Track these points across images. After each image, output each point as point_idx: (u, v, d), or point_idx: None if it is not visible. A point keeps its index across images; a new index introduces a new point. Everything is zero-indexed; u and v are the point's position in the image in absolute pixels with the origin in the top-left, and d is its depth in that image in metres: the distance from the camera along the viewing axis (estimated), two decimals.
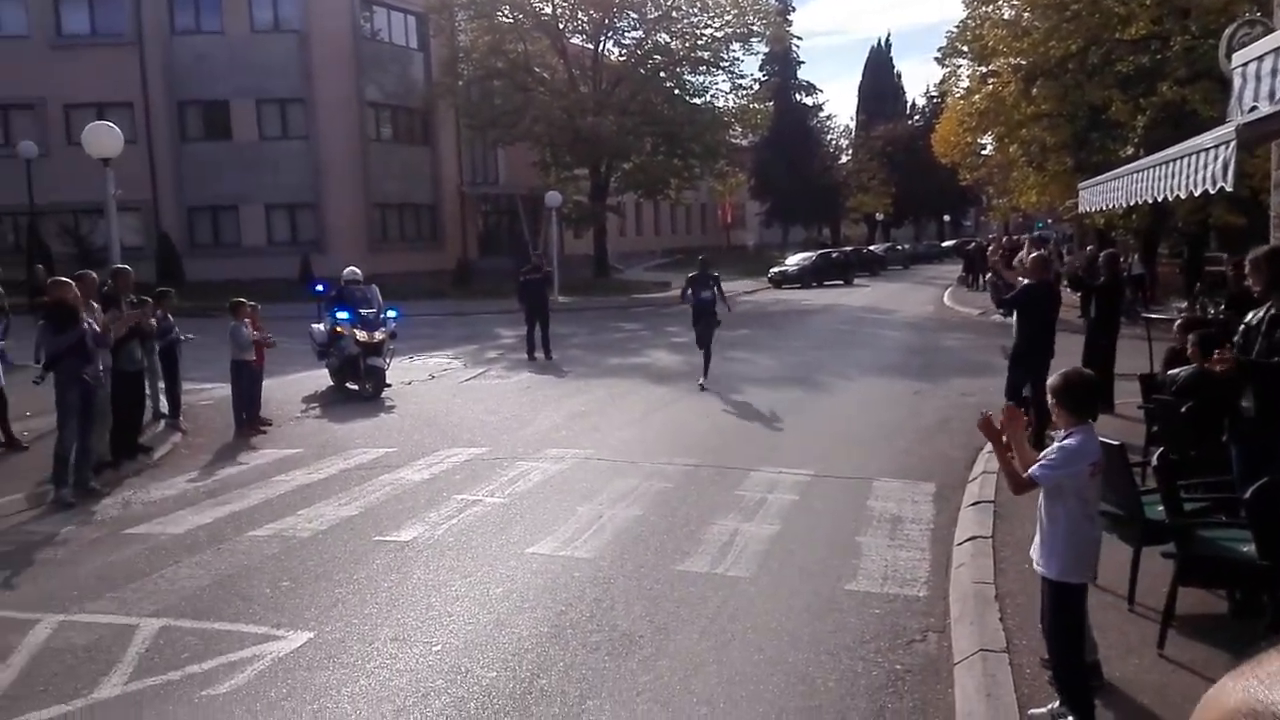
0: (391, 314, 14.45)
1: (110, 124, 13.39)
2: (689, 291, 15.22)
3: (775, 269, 42.10)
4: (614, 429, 11.48)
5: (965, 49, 30.05)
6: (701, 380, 14.29)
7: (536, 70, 37.82)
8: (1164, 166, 6.61)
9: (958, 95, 34.15)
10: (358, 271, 15.43)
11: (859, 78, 78.10)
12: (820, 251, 46.92)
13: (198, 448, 10.89)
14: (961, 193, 60.24)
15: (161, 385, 11.68)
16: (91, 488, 8.76)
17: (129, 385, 10.07)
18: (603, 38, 38.67)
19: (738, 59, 40.82)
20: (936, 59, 33.58)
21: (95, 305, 9.38)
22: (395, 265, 31.14)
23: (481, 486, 8.80)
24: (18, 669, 5.20)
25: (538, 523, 7.69)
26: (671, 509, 7.99)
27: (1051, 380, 4.37)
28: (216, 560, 6.90)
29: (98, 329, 9.00)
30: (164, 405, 11.79)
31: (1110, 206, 8.59)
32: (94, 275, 9.95)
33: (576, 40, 39.21)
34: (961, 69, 32.96)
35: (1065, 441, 4.16)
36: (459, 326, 24.13)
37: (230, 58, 32.40)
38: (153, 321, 10.81)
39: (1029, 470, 4.16)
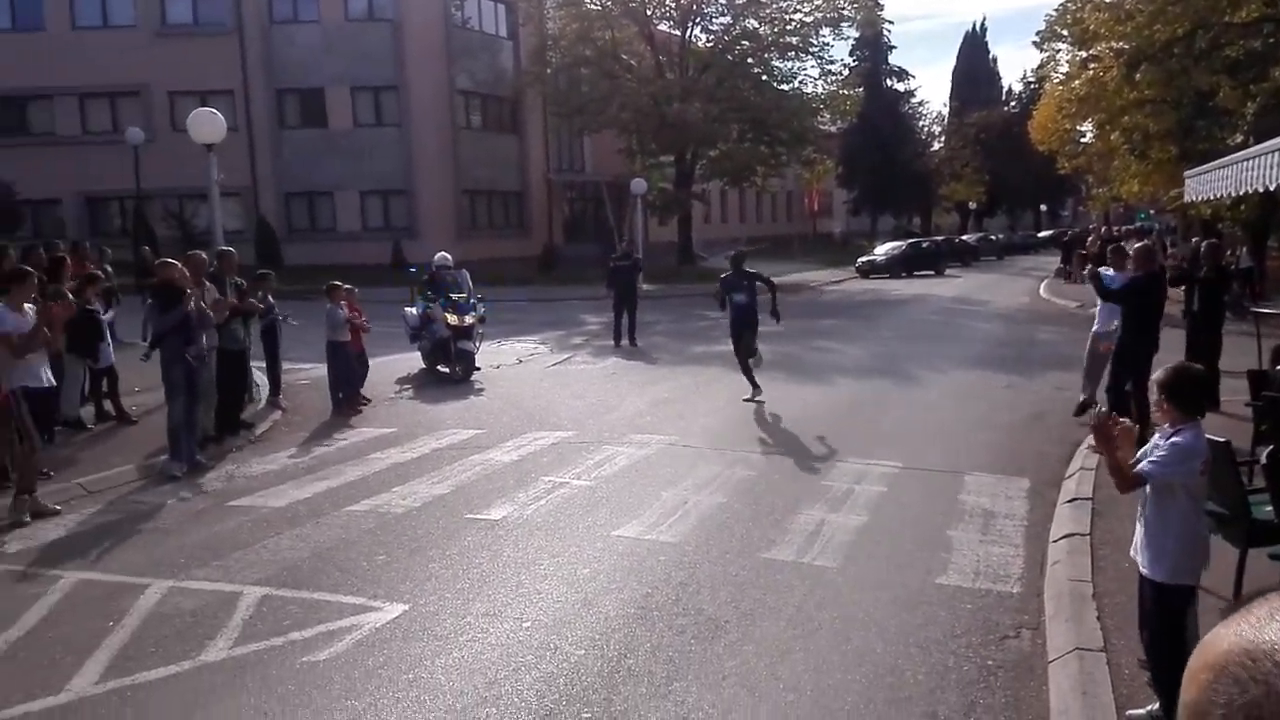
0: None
1: (213, 110, 13.87)
2: (722, 294, 12.31)
3: (863, 258, 41.50)
4: (698, 416, 11.50)
5: (1065, 33, 29.16)
6: (753, 395, 11.98)
7: (623, 57, 37.90)
8: (1276, 154, 6.34)
9: (1056, 81, 33.17)
10: (448, 257, 15.76)
11: (953, 63, 76.36)
12: (910, 241, 46.07)
13: (296, 425, 11.26)
14: (1059, 181, 58.55)
15: (262, 364, 12.08)
16: (197, 461, 9.13)
17: (232, 364, 10.45)
18: (690, 24, 38.52)
19: (827, 44, 40.19)
20: (1034, 43, 32.68)
21: (208, 284, 9.74)
22: (483, 251, 31.61)
23: (568, 469, 8.91)
24: (130, 630, 5.47)
25: (623, 506, 7.76)
26: (756, 497, 7.99)
27: (1159, 375, 4.21)
28: (315, 533, 7.14)
29: (205, 309, 9.35)
30: (264, 383, 12.20)
31: (1217, 196, 8.26)
32: (203, 255, 10.33)
33: (664, 27, 39.15)
34: (1061, 54, 32.02)
35: (1175, 439, 4.01)
36: (545, 312, 24.40)
37: (326, 46, 33.25)
38: (255, 303, 11.18)
39: (1138, 466, 4.02)
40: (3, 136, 31.70)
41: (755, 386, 12.02)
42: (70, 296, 9.33)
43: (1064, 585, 5.77)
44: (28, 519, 7.48)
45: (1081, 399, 10.79)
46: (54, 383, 8.01)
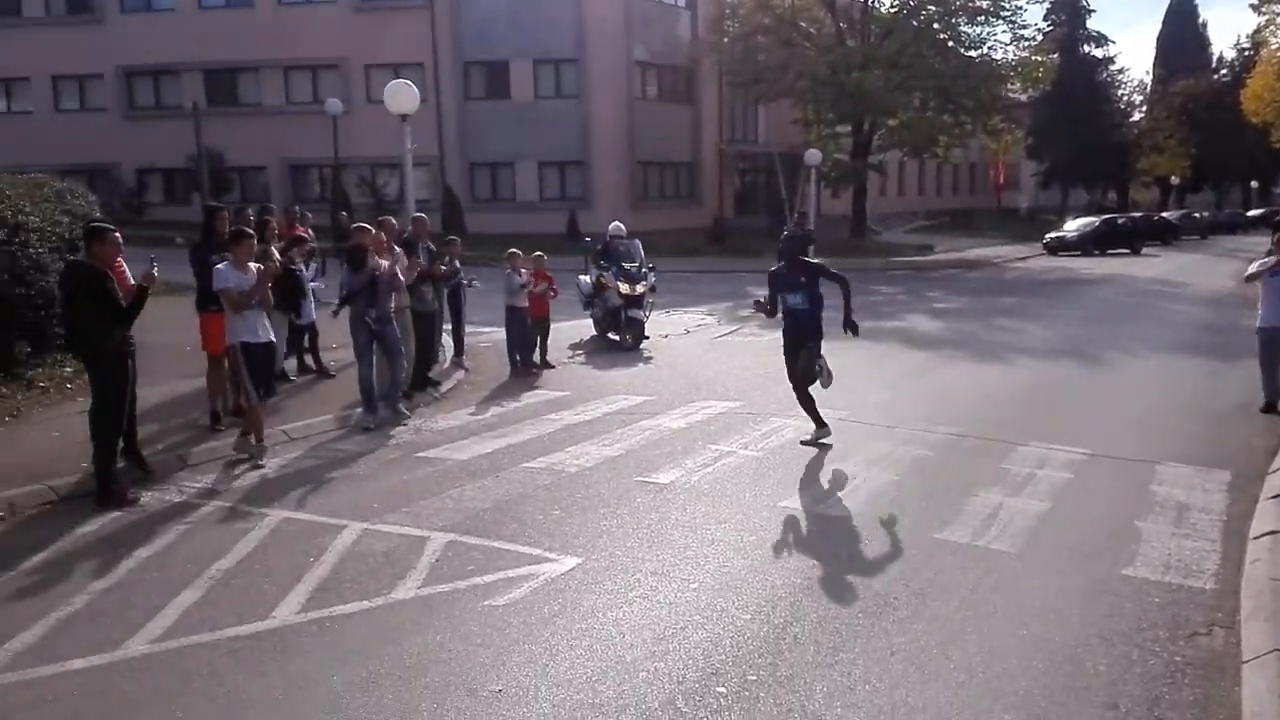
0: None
1: (408, 82, 14.51)
2: (772, 297, 8.98)
3: (1051, 234, 39.54)
4: (869, 392, 11.30)
5: None
6: (815, 436, 8.71)
7: (802, 25, 37.17)
8: None
9: (1275, 46, 30.41)
10: (622, 227, 16.01)
11: (1158, 27, 71.15)
12: (1104, 217, 43.45)
13: (478, 385, 11.78)
14: (1274, 156, 53.75)
15: (448, 326, 12.67)
16: (400, 411, 9.69)
17: (421, 325, 11.00)
18: None
19: (1020, 8, 38.25)
20: (1252, 6, 30.15)
21: (398, 250, 10.27)
22: (654, 222, 31.87)
23: (735, 439, 8.96)
24: (328, 566, 5.92)
25: (790, 478, 7.76)
26: (930, 477, 7.81)
27: None
28: (495, 486, 7.49)
29: (398, 272, 9.86)
30: (449, 344, 12.79)
31: None
32: (394, 221, 10.90)
33: None
34: None
35: None
36: (714, 284, 24.44)
37: (511, 20, 34.12)
38: (443, 267, 11.72)
39: None
40: (215, 107, 34.17)
41: (819, 424, 8.81)
42: (277, 256, 10.03)
43: (1264, 584, 5.39)
44: (262, 462, 8.16)
45: (1265, 400, 10.05)
46: (273, 338, 8.59)
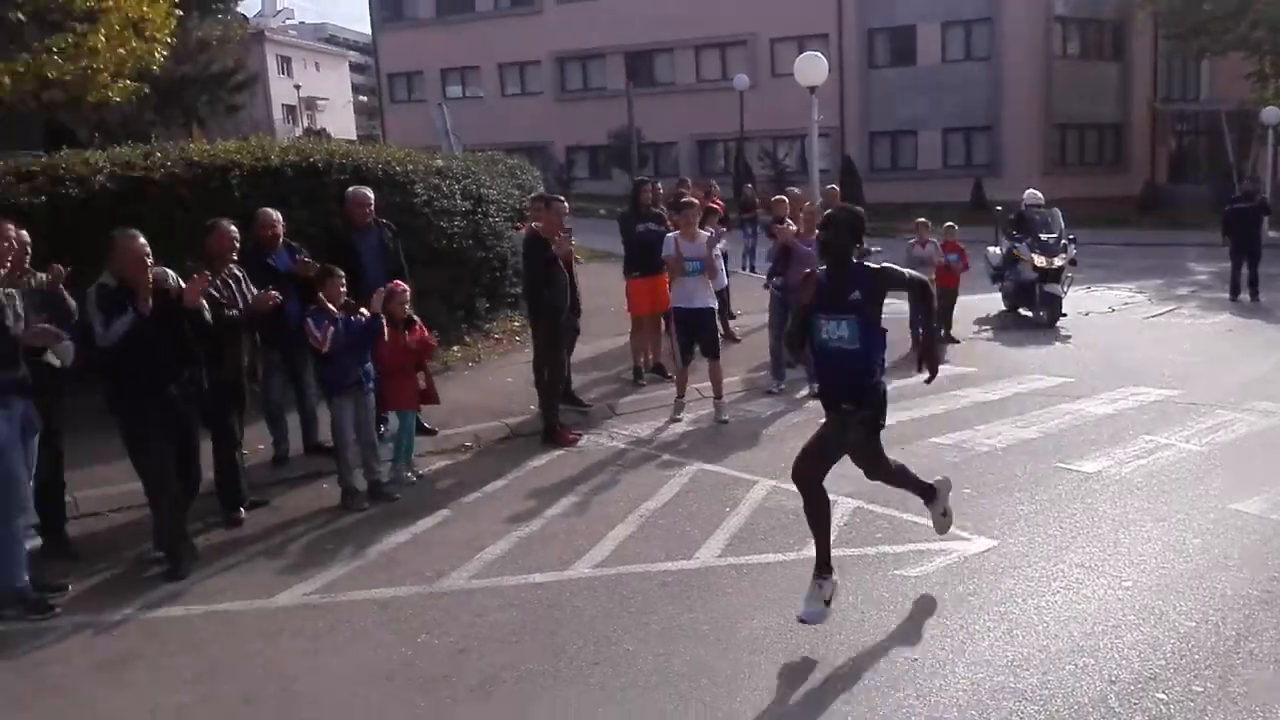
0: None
1: (818, 54, 14.56)
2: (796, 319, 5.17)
3: None
4: None
5: None
6: (817, 593, 4.78)
7: None
8: None
9: None
10: (1039, 195, 15.05)
11: None
12: None
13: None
14: None
15: None
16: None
17: None
18: None
19: None
20: None
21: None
22: (1071, 190, 29.32)
23: (1174, 430, 8.09)
24: (743, 517, 6.29)
25: (1243, 478, 6.87)
26: None
27: None
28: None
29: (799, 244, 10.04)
30: None
31: None
32: (798, 192, 11.08)
33: None
34: None
35: None
36: (1141, 258, 22.12)
37: None
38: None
39: None
40: (633, 88, 36.54)
41: (824, 568, 4.84)
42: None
43: None
44: (680, 416, 8.79)
45: None
46: (710, 304, 8.98)
